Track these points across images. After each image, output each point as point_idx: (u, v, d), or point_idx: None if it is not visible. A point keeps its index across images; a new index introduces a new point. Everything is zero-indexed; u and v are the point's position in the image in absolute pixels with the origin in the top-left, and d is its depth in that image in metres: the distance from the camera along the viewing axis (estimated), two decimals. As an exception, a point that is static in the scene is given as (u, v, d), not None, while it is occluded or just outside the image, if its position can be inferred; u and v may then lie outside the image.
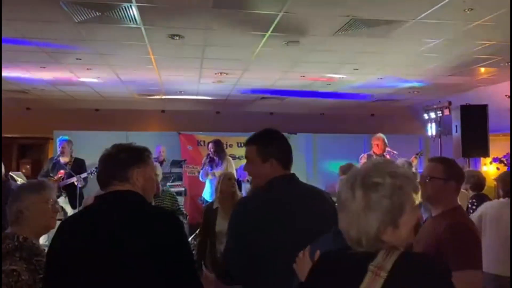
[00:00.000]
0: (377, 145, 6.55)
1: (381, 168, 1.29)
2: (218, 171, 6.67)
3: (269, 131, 2.17)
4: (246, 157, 2.17)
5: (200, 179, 7.15)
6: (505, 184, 3.79)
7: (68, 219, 1.88)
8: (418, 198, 1.29)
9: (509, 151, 8.89)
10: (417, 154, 7.07)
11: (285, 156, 2.13)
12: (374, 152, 6.57)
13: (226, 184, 4.12)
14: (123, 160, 1.80)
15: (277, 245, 1.92)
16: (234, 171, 6.76)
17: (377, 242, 1.24)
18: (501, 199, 3.81)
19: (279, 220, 1.97)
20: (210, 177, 6.81)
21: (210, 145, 6.98)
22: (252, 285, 2.00)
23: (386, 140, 6.58)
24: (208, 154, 6.98)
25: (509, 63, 5.92)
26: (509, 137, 8.60)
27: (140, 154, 1.84)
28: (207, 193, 6.81)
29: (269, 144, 2.12)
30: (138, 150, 1.85)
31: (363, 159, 6.59)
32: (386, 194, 1.24)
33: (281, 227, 1.96)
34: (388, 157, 6.52)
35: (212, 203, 4.22)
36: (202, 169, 7.06)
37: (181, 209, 4.77)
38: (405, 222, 1.25)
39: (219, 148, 6.89)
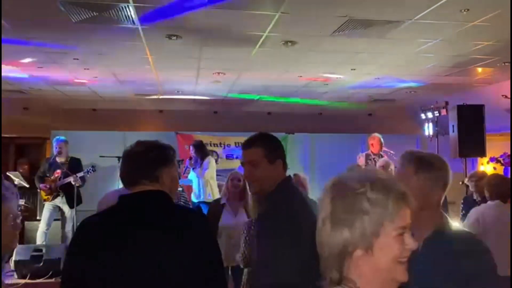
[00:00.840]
0: (372, 144, 6.57)
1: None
2: (194, 172, 6.76)
3: (266, 133, 2.16)
4: (249, 161, 2.09)
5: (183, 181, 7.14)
6: (491, 187, 3.88)
7: (91, 220, 1.75)
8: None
9: (506, 151, 8.93)
10: None
11: (285, 157, 2.15)
12: (371, 152, 6.59)
13: (233, 184, 4.22)
14: (154, 158, 1.72)
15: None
16: (211, 171, 6.82)
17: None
18: (490, 202, 3.88)
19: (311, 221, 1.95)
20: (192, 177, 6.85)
21: (190, 148, 7.01)
22: None
23: (382, 139, 6.59)
24: (190, 157, 7.02)
25: (506, 63, 5.95)
26: (506, 137, 8.64)
27: (168, 153, 1.78)
28: (194, 194, 6.82)
29: (276, 145, 2.12)
30: (166, 148, 1.79)
31: (361, 158, 6.61)
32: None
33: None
34: (385, 156, 6.55)
35: (219, 198, 4.29)
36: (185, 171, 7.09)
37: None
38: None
39: (199, 150, 6.87)
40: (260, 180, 2.08)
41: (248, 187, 4.06)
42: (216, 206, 4.21)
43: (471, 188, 4.70)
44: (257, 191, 2.18)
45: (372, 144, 6.59)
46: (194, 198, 6.79)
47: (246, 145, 2.12)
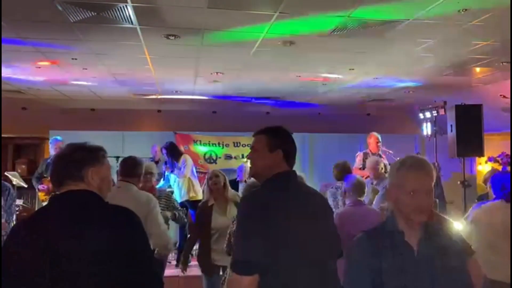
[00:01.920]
0: (371, 143, 6.60)
1: None
2: (174, 173, 6.75)
3: (280, 126, 2.23)
4: (253, 146, 2.19)
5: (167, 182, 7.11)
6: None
7: (21, 221, 1.83)
8: None
9: (504, 151, 8.95)
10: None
11: (291, 151, 2.16)
12: (370, 151, 6.61)
13: (213, 182, 4.17)
14: (78, 159, 1.78)
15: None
16: (190, 168, 6.81)
17: None
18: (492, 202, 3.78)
19: (292, 216, 1.98)
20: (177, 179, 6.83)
21: (163, 151, 6.93)
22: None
23: (379, 137, 6.61)
24: (166, 161, 6.98)
25: (504, 63, 5.97)
26: (504, 137, 8.66)
27: (95, 153, 1.83)
28: (177, 196, 6.81)
29: (279, 135, 2.17)
30: (93, 149, 1.84)
31: (358, 157, 6.63)
32: None
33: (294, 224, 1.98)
34: (383, 156, 6.56)
35: (207, 200, 4.25)
36: (167, 174, 7.05)
37: (178, 207, 4.81)
38: None
39: (172, 153, 6.85)
40: (257, 166, 2.17)
41: (227, 185, 4.23)
42: (205, 208, 4.17)
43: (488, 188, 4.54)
44: (251, 175, 2.34)
45: (370, 143, 6.62)
46: (178, 198, 6.81)
47: (254, 133, 2.23)
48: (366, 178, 5.60)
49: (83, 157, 1.79)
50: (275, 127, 2.21)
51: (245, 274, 1.82)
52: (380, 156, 6.47)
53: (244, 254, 1.87)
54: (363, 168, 6.39)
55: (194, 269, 4.79)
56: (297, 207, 2.01)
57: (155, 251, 3.27)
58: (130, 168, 3.49)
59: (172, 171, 6.81)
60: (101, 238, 1.64)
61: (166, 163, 6.99)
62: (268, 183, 2.09)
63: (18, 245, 1.67)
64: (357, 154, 6.71)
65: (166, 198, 4.64)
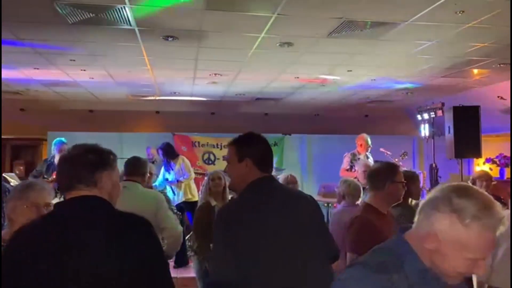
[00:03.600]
0: (361, 145, 6.64)
1: None
2: (171, 175, 6.76)
3: (250, 133, 2.20)
4: (226, 158, 2.21)
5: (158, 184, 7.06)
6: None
7: (24, 230, 1.63)
8: None
9: (502, 152, 8.97)
10: (401, 155, 7.18)
11: (261, 157, 2.13)
12: (358, 152, 6.64)
13: (215, 184, 4.17)
14: (92, 162, 1.62)
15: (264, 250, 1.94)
16: (190, 170, 6.82)
17: None
18: None
19: (262, 224, 1.97)
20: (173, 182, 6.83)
21: (159, 151, 6.90)
22: None
23: (369, 140, 6.65)
24: (162, 161, 6.96)
25: (502, 65, 5.98)
26: (502, 138, 8.68)
27: (107, 156, 1.68)
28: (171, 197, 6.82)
29: (246, 144, 2.15)
30: (105, 152, 1.69)
31: (346, 158, 6.66)
32: None
33: (263, 231, 1.97)
34: (370, 157, 6.61)
35: (209, 202, 4.24)
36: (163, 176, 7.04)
37: (175, 211, 4.80)
38: None
39: (168, 153, 6.82)
40: (231, 177, 2.19)
41: (226, 190, 4.17)
42: (208, 208, 4.16)
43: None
44: (229, 187, 2.39)
45: (360, 145, 6.65)
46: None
47: (227, 144, 2.24)
48: (354, 179, 5.67)
49: (96, 160, 1.64)
50: (244, 135, 2.19)
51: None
52: (367, 157, 6.53)
53: (217, 275, 1.89)
54: (351, 169, 6.45)
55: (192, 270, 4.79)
56: (269, 216, 1.97)
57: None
58: (135, 167, 3.54)
59: (167, 172, 6.81)
60: (122, 252, 1.49)
61: (162, 162, 7.00)
62: (240, 195, 2.10)
63: (20, 255, 1.52)
64: (345, 154, 6.72)
65: (167, 196, 4.66)
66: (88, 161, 1.62)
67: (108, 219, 1.58)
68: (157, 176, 6.80)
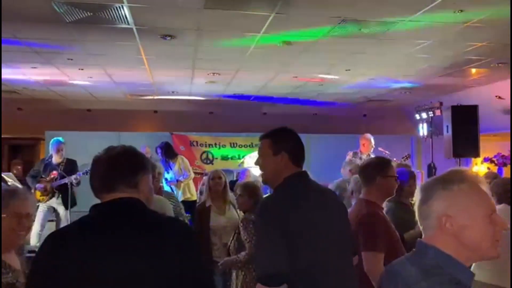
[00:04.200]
0: (363, 144, 6.65)
1: None
2: (170, 174, 6.77)
3: (284, 127, 2.22)
4: (258, 152, 2.20)
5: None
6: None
7: (61, 234, 1.58)
8: None
9: (500, 151, 8.98)
10: (403, 157, 7.17)
11: (296, 151, 2.14)
12: (360, 151, 6.66)
13: (215, 183, 4.17)
14: (135, 163, 1.58)
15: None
16: (190, 169, 6.83)
17: None
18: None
19: (309, 218, 1.98)
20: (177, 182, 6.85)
21: (158, 150, 6.91)
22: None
23: (373, 140, 6.66)
24: (160, 160, 6.94)
25: (500, 64, 5.99)
26: (500, 137, 8.69)
27: (145, 159, 1.64)
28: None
29: (282, 138, 2.16)
30: (142, 155, 1.65)
31: (348, 157, 6.68)
32: None
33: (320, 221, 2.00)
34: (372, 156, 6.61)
35: (204, 202, 4.25)
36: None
37: (184, 214, 4.80)
38: None
39: (167, 153, 6.84)
40: (265, 172, 2.16)
41: (227, 188, 4.25)
42: (203, 209, 4.18)
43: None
44: (264, 182, 2.28)
45: (363, 144, 6.67)
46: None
47: (259, 137, 2.22)
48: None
49: (138, 162, 1.59)
50: (278, 129, 2.19)
51: (275, 286, 1.82)
52: (370, 156, 6.54)
53: (271, 267, 1.85)
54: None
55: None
56: (311, 211, 1.99)
57: None
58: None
59: (166, 171, 6.81)
60: (168, 259, 1.44)
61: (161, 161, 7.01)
62: (279, 189, 2.07)
63: (54, 264, 1.42)
64: (348, 153, 6.76)
65: (175, 201, 4.61)
66: (132, 163, 1.57)
67: (153, 222, 1.53)
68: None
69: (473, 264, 2.66)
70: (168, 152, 6.85)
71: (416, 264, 1.30)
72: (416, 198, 1.40)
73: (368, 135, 6.70)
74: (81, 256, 1.41)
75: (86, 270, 1.40)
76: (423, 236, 1.37)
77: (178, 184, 6.76)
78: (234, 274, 3.51)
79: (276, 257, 1.85)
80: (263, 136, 2.19)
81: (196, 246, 1.60)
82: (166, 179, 6.84)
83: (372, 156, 6.63)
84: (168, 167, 6.80)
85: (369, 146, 6.61)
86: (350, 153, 6.69)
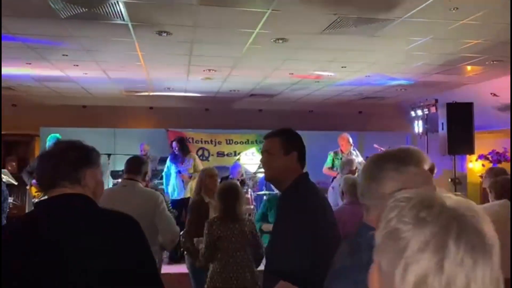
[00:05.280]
0: (342, 144, 6.81)
1: None
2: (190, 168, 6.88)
3: (290, 128, 2.26)
4: (266, 150, 2.20)
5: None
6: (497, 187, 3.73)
7: (6, 229, 1.59)
8: None
9: (494, 148, 9.03)
10: None
11: (303, 152, 2.19)
12: (341, 150, 6.80)
13: (213, 181, 4.17)
14: (75, 158, 1.56)
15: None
16: (201, 167, 6.91)
17: None
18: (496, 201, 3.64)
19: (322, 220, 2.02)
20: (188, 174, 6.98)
21: (174, 143, 7.22)
22: None
23: (351, 139, 6.79)
24: (173, 152, 7.20)
25: (495, 62, 6.01)
26: (494, 135, 8.74)
27: (90, 153, 1.63)
28: (175, 189, 6.93)
29: (293, 137, 2.20)
30: (88, 149, 1.64)
31: (329, 156, 6.83)
32: None
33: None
34: (355, 153, 6.72)
35: (201, 198, 4.23)
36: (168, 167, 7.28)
37: (172, 209, 4.81)
38: None
39: (184, 146, 7.18)
40: (274, 169, 2.16)
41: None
42: (202, 205, 4.16)
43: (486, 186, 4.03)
44: (268, 179, 2.28)
45: (342, 144, 6.82)
46: (176, 195, 6.90)
47: (267, 136, 2.24)
48: (335, 177, 5.97)
49: (80, 157, 1.58)
50: (286, 129, 2.23)
51: (300, 286, 1.81)
52: (352, 154, 6.67)
53: (291, 265, 1.87)
54: (333, 167, 6.60)
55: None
56: (327, 211, 2.03)
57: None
58: (136, 166, 3.54)
59: (176, 164, 7.03)
60: (108, 254, 1.44)
61: (172, 153, 7.12)
62: (301, 188, 2.08)
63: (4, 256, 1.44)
64: (329, 153, 6.88)
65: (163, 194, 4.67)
66: (72, 158, 1.56)
67: (93, 217, 1.53)
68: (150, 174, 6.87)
69: None
70: (184, 147, 7.15)
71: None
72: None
73: (346, 135, 6.87)
74: (23, 249, 1.42)
75: (31, 266, 1.40)
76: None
77: (187, 179, 6.92)
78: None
79: (299, 254, 1.86)
80: (272, 135, 2.20)
81: (141, 237, 1.58)
82: (179, 171, 7.01)
83: (354, 152, 6.76)
84: (178, 162, 7.01)
85: (347, 145, 6.74)
86: (331, 153, 6.82)
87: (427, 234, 0.69)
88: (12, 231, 1.53)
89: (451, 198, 0.75)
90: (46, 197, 1.57)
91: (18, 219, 1.60)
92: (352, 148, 6.81)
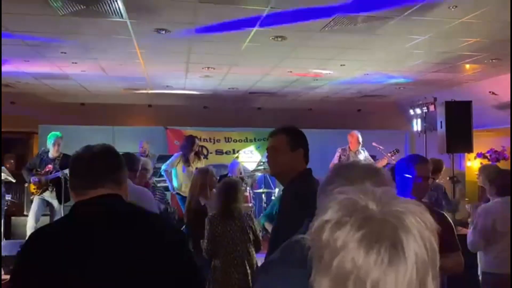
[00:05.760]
0: (351, 142, 6.77)
1: None
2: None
3: (293, 126, 2.30)
4: (272, 146, 2.23)
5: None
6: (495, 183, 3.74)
7: (46, 231, 1.57)
8: None
9: (493, 147, 9.05)
10: (392, 152, 7.20)
11: (308, 149, 2.24)
12: (349, 148, 6.77)
13: (214, 180, 4.20)
14: (118, 160, 1.62)
15: None
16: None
17: None
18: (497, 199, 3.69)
19: None
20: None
21: (185, 142, 7.04)
22: None
23: (360, 137, 6.75)
24: (193, 150, 7.03)
25: (494, 60, 6.01)
26: (493, 133, 8.75)
27: (122, 157, 1.68)
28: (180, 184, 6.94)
29: (299, 135, 2.24)
30: (119, 153, 1.69)
31: (337, 153, 6.79)
32: None
33: None
34: (363, 152, 6.70)
35: (197, 204, 4.21)
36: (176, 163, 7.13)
37: (169, 203, 4.81)
38: None
39: (191, 145, 6.98)
40: (280, 165, 2.21)
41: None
42: (199, 209, 4.16)
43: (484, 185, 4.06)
44: (274, 174, 2.33)
45: (351, 142, 6.79)
46: (176, 187, 6.90)
47: (273, 133, 2.28)
48: None
49: (121, 159, 1.63)
50: (291, 126, 2.27)
51: None
52: (360, 153, 6.66)
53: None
54: None
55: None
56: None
57: None
58: (127, 163, 3.51)
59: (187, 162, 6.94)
60: (153, 255, 1.44)
61: (192, 151, 7.07)
62: (304, 180, 2.11)
63: (40, 256, 1.42)
64: (337, 149, 6.88)
65: (160, 191, 4.66)
66: (113, 161, 1.61)
67: (140, 218, 1.56)
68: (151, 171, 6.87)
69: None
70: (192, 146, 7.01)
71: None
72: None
73: (356, 132, 6.81)
74: (69, 254, 1.40)
75: (74, 269, 1.39)
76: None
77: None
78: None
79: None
80: (278, 132, 2.24)
81: (185, 242, 1.63)
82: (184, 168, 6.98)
83: (362, 151, 6.73)
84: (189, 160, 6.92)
85: (356, 143, 6.72)
86: (340, 149, 6.79)
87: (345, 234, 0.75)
88: (53, 233, 1.52)
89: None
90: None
91: (58, 221, 1.64)
92: (360, 146, 6.79)
